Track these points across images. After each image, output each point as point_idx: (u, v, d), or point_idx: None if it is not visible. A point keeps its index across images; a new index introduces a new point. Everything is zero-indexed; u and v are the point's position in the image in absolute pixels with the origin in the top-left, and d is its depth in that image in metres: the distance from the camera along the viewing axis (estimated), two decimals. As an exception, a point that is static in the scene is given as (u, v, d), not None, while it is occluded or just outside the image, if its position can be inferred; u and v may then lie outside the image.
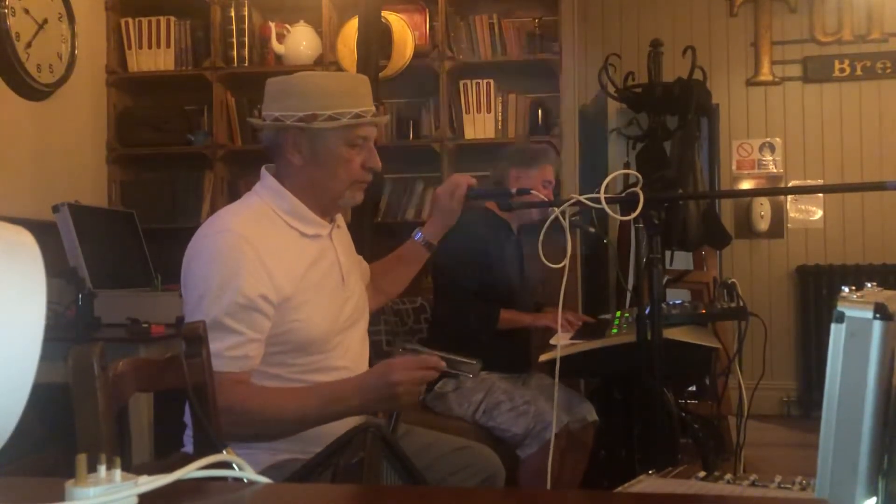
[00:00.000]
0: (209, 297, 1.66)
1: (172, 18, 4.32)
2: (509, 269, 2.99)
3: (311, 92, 1.75)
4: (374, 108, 1.82)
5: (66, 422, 1.26)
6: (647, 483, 1.38)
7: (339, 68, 4.17)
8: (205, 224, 1.76)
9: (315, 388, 1.72)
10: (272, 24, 4.29)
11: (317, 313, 1.75)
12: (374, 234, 3.78)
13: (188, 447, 1.73)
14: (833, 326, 0.91)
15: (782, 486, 1.29)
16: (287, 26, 4.28)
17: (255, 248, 1.68)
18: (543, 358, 2.51)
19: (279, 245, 1.73)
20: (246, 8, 4.26)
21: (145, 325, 2.81)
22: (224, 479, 1.00)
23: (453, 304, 2.88)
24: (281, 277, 1.70)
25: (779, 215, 5.66)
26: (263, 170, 1.86)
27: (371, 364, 1.99)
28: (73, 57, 3.87)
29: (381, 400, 1.68)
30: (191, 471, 0.90)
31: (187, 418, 1.80)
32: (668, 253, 4.01)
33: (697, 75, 3.96)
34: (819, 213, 5.64)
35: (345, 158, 1.78)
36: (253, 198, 1.83)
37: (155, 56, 4.31)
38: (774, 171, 5.68)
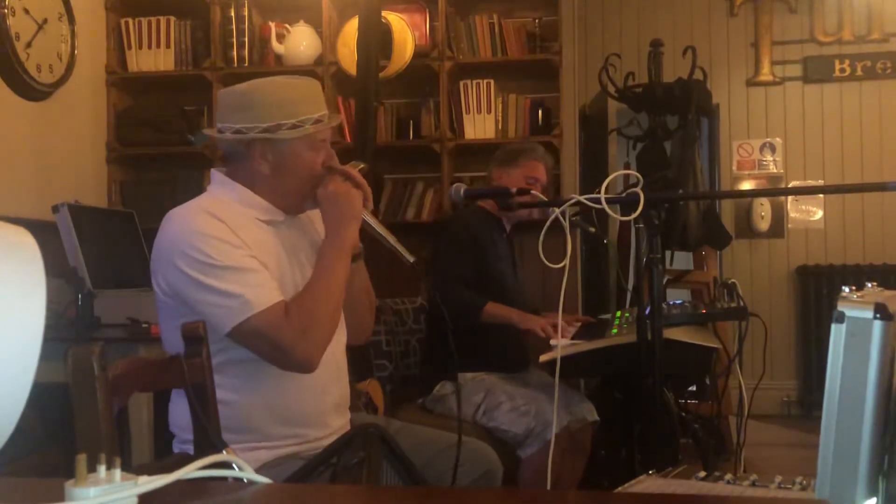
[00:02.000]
0: (209, 259, 1.67)
1: (172, 18, 4.32)
2: (502, 266, 3.01)
3: (272, 102, 1.79)
4: (327, 111, 1.86)
5: (66, 422, 1.26)
6: (647, 483, 1.38)
7: (340, 68, 4.17)
8: (164, 224, 1.76)
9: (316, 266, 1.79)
10: (272, 24, 4.29)
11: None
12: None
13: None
14: (833, 326, 0.91)
15: (782, 486, 1.29)
16: (287, 26, 4.28)
17: (225, 222, 1.72)
18: (544, 358, 2.51)
19: (240, 224, 1.75)
20: (246, 8, 4.26)
21: (145, 325, 2.81)
22: (224, 479, 1.00)
23: (441, 289, 2.89)
24: (254, 249, 1.74)
25: (779, 215, 5.67)
26: (213, 171, 1.88)
27: (351, 366, 1.99)
28: (73, 57, 3.87)
29: (344, 217, 1.78)
30: (191, 471, 0.90)
31: (174, 426, 1.79)
32: (668, 253, 4.01)
33: (697, 75, 3.97)
34: (819, 214, 5.64)
35: (308, 161, 1.82)
36: (202, 196, 1.85)
37: (155, 56, 4.31)
38: (775, 171, 5.69)
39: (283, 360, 1.70)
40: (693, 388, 3.88)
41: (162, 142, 4.28)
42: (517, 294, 3.03)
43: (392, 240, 1.89)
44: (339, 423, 1.87)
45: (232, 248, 1.69)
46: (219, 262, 1.67)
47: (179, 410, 1.69)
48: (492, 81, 4.18)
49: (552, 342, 2.65)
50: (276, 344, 1.67)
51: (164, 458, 1.93)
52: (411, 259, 1.88)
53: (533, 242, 2.07)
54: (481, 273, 2.91)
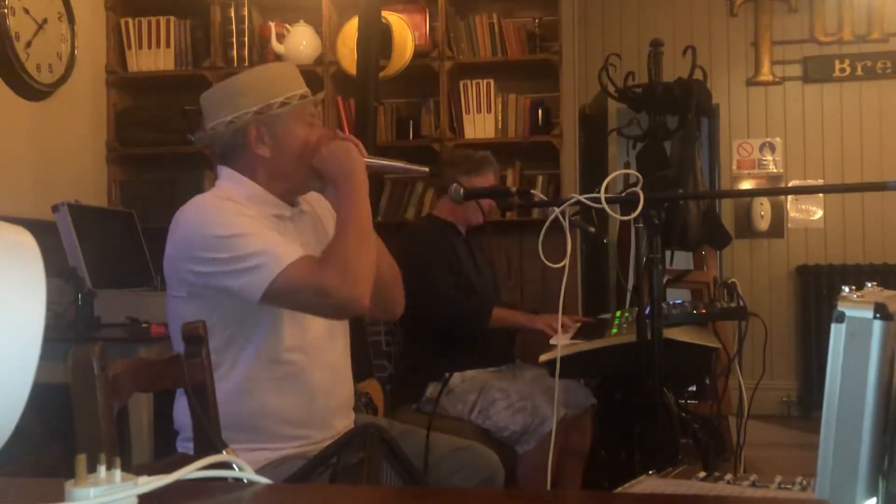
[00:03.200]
0: (229, 231, 1.68)
1: (172, 18, 4.31)
2: (466, 269, 3.05)
3: (257, 86, 1.83)
4: (308, 90, 1.88)
5: (66, 422, 1.26)
6: (647, 483, 1.38)
7: (340, 68, 4.17)
8: (179, 217, 1.76)
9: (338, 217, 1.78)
10: (272, 24, 4.29)
11: None
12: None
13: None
14: (833, 326, 0.91)
15: (783, 486, 1.29)
16: (287, 26, 4.28)
17: (238, 204, 1.74)
18: (543, 358, 2.51)
19: (251, 212, 1.77)
20: (246, 8, 4.25)
21: (145, 325, 2.81)
22: (224, 479, 1.00)
23: (439, 306, 2.90)
24: None
25: (779, 215, 5.67)
26: (220, 166, 1.89)
27: (356, 367, 1.99)
28: (72, 57, 3.87)
29: (345, 167, 1.78)
30: (191, 471, 0.90)
31: (178, 424, 1.79)
32: (668, 253, 4.01)
33: (697, 75, 3.96)
34: (819, 213, 5.64)
35: (303, 137, 1.84)
36: (211, 190, 1.87)
37: (155, 56, 4.31)
38: (774, 170, 5.68)
39: (331, 305, 1.69)
40: (693, 388, 3.87)
41: (162, 142, 4.28)
42: (485, 294, 3.06)
43: (400, 162, 1.95)
44: (343, 425, 1.88)
45: (249, 219, 1.70)
46: (238, 233, 1.67)
47: (183, 408, 1.69)
48: (492, 81, 4.17)
49: (552, 342, 2.65)
50: (318, 289, 1.64)
51: (164, 458, 1.93)
52: (426, 170, 1.97)
53: (533, 242, 2.07)
54: (452, 280, 2.94)
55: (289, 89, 1.82)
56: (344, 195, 1.78)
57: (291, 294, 1.66)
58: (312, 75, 4.11)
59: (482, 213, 3.10)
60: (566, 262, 1.98)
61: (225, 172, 1.87)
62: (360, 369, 2.92)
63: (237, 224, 1.68)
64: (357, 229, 1.73)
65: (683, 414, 3.08)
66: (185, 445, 1.76)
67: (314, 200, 1.97)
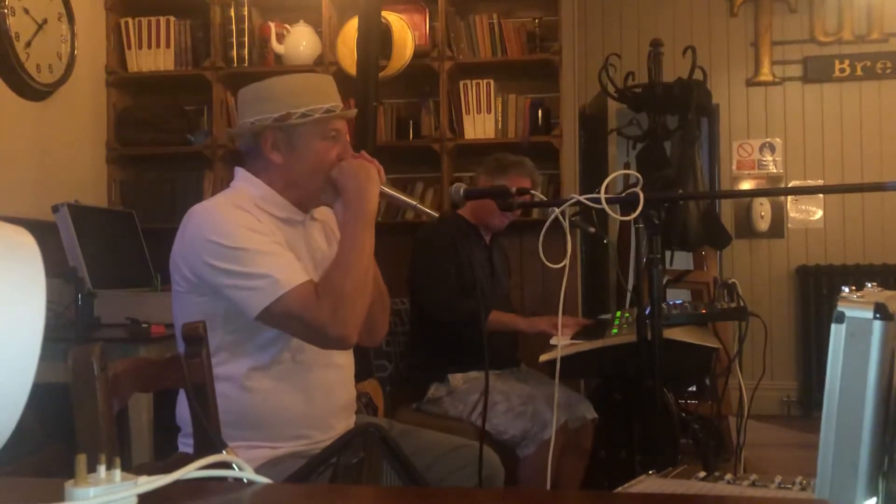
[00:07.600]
0: (235, 244, 1.69)
1: (172, 18, 4.31)
2: (479, 273, 3.03)
3: (282, 93, 1.83)
4: (341, 104, 1.88)
5: (66, 422, 1.26)
6: (647, 483, 1.38)
7: (340, 68, 4.17)
8: (188, 218, 1.77)
9: (340, 241, 1.79)
10: (272, 24, 4.29)
11: None
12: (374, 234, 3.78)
13: (183, 451, 1.74)
14: (833, 326, 0.91)
15: (782, 486, 1.29)
16: (287, 26, 4.28)
17: (249, 212, 1.75)
18: (544, 358, 2.51)
19: (262, 217, 1.78)
20: (246, 8, 4.25)
21: (145, 326, 2.81)
22: (224, 479, 1.00)
23: (438, 301, 2.90)
24: (277, 239, 1.75)
25: (779, 215, 5.67)
26: (237, 168, 1.91)
27: (356, 367, 2.00)
28: (72, 57, 3.87)
29: (361, 188, 1.80)
30: (191, 471, 0.90)
31: (180, 420, 1.80)
32: (668, 253, 4.01)
33: (697, 75, 3.96)
34: (819, 214, 5.64)
35: (320, 152, 1.84)
36: (224, 191, 1.89)
37: (155, 56, 4.31)
38: (774, 171, 5.69)
39: (318, 339, 1.72)
40: (693, 388, 3.88)
41: (162, 142, 4.28)
42: (494, 302, 3.04)
43: (413, 201, 1.97)
44: (344, 426, 1.88)
45: (256, 233, 1.71)
46: (244, 247, 1.68)
47: (185, 406, 1.69)
48: (492, 81, 4.17)
49: (552, 342, 2.65)
50: (308, 324, 1.68)
51: (164, 458, 1.93)
52: (436, 215, 1.99)
53: (533, 242, 2.07)
54: (459, 280, 2.94)
55: (313, 101, 1.82)
56: (352, 214, 1.78)
57: (284, 321, 1.69)
58: (312, 75, 4.11)
59: (502, 220, 3.06)
60: (566, 262, 1.98)
61: (240, 174, 1.88)
62: (360, 369, 2.92)
63: (247, 238, 1.69)
64: (357, 260, 1.73)
65: (683, 414, 3.08)
66: (186, 442, 1.76)
67: (326, 213, 1.98)
